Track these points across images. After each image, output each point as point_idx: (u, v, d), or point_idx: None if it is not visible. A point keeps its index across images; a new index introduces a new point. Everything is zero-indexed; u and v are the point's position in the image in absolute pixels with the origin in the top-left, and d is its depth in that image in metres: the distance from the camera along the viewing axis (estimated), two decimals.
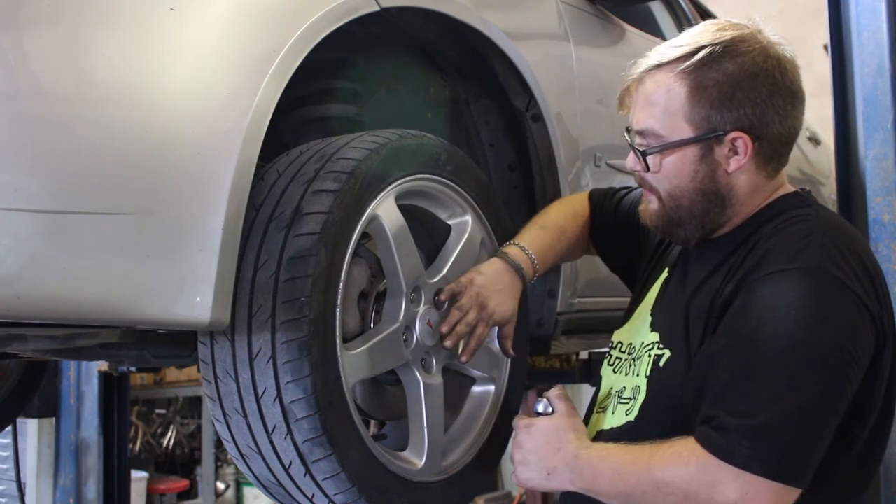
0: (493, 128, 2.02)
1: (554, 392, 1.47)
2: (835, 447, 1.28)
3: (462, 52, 1.89)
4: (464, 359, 1.58)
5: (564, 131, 2.04)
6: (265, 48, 1.32)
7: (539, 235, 1.71)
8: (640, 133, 1.44)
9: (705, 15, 3.30)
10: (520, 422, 1.47)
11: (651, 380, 1.44)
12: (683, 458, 1.26)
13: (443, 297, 1.57)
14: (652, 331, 1.50)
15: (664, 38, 2.79)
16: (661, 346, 1.45)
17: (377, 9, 1.53)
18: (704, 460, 1.25)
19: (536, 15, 2.11)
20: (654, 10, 3.11)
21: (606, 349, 1.66)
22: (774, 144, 1.40)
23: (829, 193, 3.83)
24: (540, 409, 1.46)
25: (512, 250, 1.65)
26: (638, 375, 1.48)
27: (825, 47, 2.53)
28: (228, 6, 1.32)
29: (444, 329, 1.55)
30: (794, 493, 1.23)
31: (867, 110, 2.32)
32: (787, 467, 1.22)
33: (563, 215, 1.78)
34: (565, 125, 2.05)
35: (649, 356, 1.46)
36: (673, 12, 3.15)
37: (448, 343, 1.55)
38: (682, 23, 3.03)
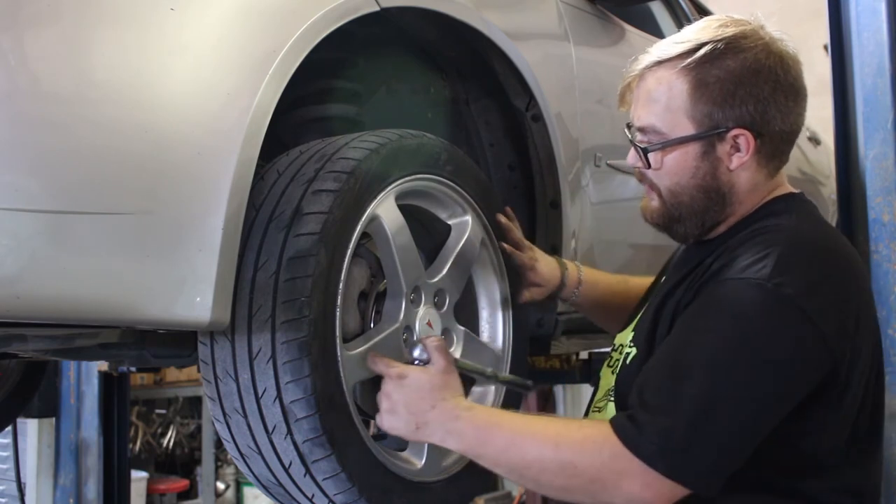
0: (493, 128, 2.02)
1: (433, 342, 1.39)
2: (830, 448, 1.28)
3: (462, 52, 1.89)
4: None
5: (564, 131, 2.04)
6: (265, 48, 1.32)
7: (601, 272, 1.86)
8: (641, 130, 1.44)
9: (705, 14, 3.30)
10: (390, 369, 1.37)
11: (618, 377, 1.47)
12: (598, 445, 1.25)
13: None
14: (631, 331, 1.51)
15: (664, 38, 2.79)
16: (631, 344, 1.47)
17: (377, 9, 1.53)
18: (618, 450, 1.23)
19: (536, 15, 2.11)
20: (654, 10, 3.11)
21: (608, 350, 1.67)
22: (776, 142, 1.40)
23: (829, 193, 3.82)
24: (416, 353, 1.39)
25: (566, 260, 1.82)
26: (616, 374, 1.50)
27: (825, 47, 2.52)
28: (228, 6, 1.32)
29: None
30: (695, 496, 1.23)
31: (867, 110, 2.31)
32: (690, 472, 1.21)
33: (636, 280, 1.84)
34: (565, 125, 2.05)
35: (621, 354, 1.49)
36: (673, 12, 3.16)
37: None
38: (682, 22, 3.03)
